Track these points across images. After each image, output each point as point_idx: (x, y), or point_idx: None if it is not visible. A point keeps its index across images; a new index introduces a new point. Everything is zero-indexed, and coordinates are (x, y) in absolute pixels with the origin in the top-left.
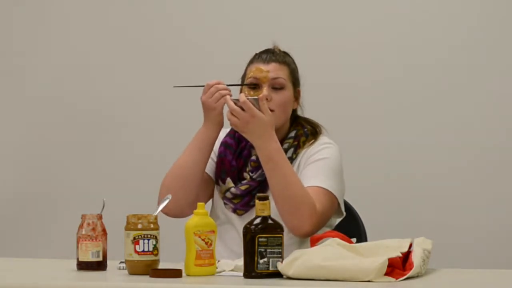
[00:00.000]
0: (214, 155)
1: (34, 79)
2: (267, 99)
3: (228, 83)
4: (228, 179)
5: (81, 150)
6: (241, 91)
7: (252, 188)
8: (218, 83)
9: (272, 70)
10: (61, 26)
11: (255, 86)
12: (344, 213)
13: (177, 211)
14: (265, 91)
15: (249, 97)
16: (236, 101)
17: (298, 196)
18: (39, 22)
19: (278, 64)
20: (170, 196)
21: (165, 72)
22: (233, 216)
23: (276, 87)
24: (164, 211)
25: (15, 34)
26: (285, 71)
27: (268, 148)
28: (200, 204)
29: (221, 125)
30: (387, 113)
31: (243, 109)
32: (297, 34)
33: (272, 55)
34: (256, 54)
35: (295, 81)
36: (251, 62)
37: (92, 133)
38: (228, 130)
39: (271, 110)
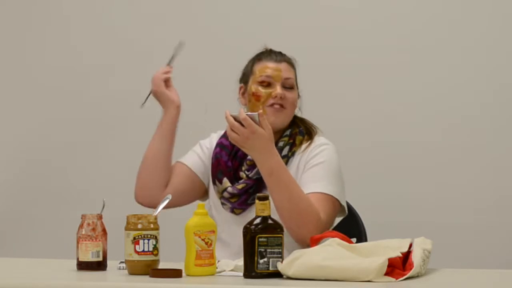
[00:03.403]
0: (203, 155)
1: (34, 79)
2: (280, 97)
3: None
4: (225, 179)
5: (81, 150)
6: (243, 91)
7: (249, 187)
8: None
9: (283, 69)
10: (60, 26)
11: (268, 84)
12: (347, 212)
13: (145, 196)
14: (278, 89)
15: (249, 113)
16: (235, 117)
17: (303, 209)
18: (39, 22)
19: (288, 64)
20: (170, 196)
21: None
22: (231, 216)
23: (287, 87)
24: (139, 200)
25: (16, 33)
26: (293, 73)
27: (269, 163)
28: (200, 204)
29: (170, 102)
30: (388, 113)
31: (242, 125)
32: (294, 35)
33: (281, 55)
34: (262, 53)
35: (297, 84)
36: (259, 59)
37: (92, 133)
38: (222, 132)
39: (284, 108)
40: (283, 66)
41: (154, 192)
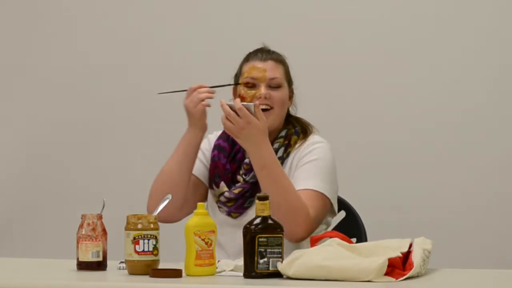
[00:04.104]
0: (204, 159)
1: (34, 78)
2: (265, 97)
3: (221, 83)
4: (222, 183)
5: (81, 150)
6: (235, 91)
7: (245, 191)
8: (200, 87)
9: (269, 68)
10: (65, 25)
11: (253, 85)
12: (337, 213)
13: (165, 216)
14: (262, 89)
15: (244, 103)
16: (231, 106)
17: (292, 203)
18: (39, 22)
19: (275, 62)
20: (170, 196)
21: (166, 72)
22: (228, 219)
23: (273, 87)
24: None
25: (18, 33)
26: (281, 70)
27: (262, 155)
28: (200, 204)
29: (203, 130)
30: (388, 112)
31: (238, 115)
32: (293, 34)
33: (268, 53)
34: (251, 52)
35: (289, 80)
36: (247, 60)
37: (92, 133)
38: (219, 132)
39: (271, 108)
40: (269, 65)
41: (172, 211)
